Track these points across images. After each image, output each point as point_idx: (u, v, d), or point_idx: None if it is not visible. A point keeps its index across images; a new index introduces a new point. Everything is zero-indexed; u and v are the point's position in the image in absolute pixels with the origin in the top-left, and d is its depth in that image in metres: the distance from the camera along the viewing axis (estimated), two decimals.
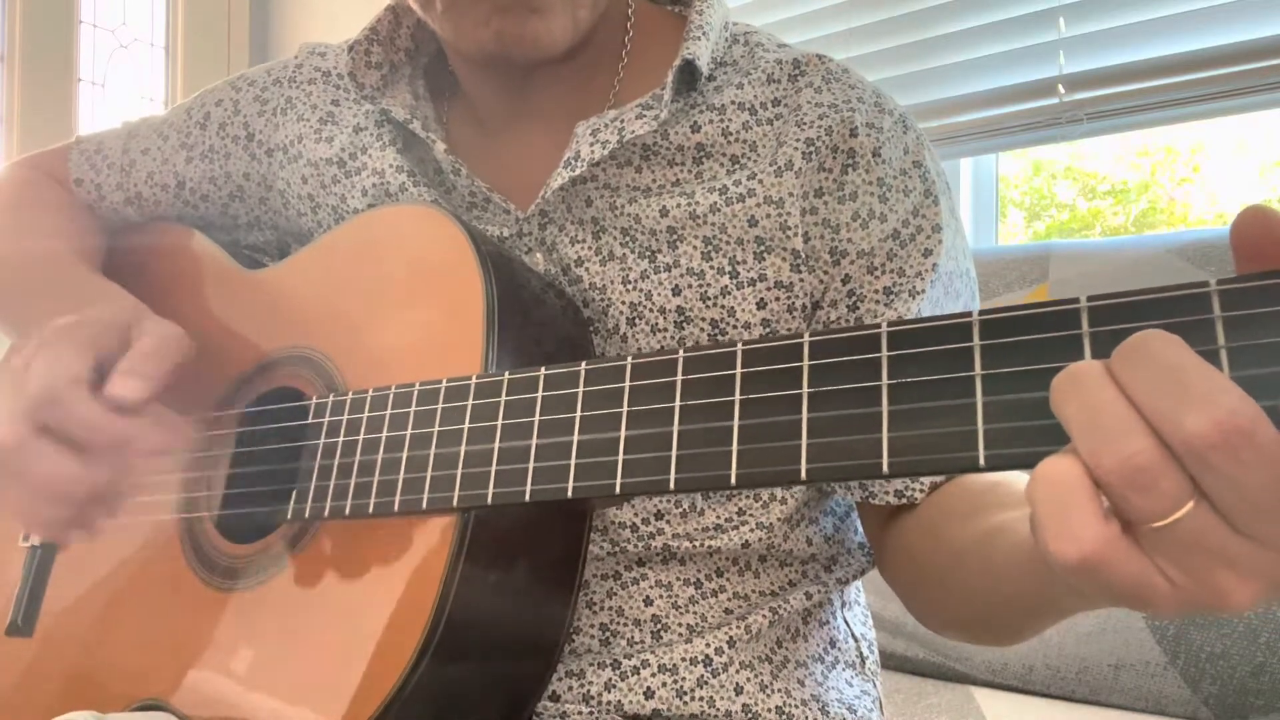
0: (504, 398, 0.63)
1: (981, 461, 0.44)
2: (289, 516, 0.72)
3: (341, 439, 0.71)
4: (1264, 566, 0.38)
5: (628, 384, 0.58)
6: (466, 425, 0.64)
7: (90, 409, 0.68)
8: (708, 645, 0.74)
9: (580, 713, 0.73)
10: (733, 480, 0.52)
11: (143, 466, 0.70)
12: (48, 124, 2.14)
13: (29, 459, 0.69)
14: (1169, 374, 0.37)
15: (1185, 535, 0.38)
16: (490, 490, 0.62)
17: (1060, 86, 1.60)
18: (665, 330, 0.75)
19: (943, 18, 1.72)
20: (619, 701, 0.73)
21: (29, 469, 0.69)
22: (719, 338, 0.75)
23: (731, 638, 0.75)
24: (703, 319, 0.74)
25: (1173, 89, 1.52)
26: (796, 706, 0.76)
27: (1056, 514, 0.39)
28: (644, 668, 0.73)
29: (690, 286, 0.74)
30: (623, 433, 0.57)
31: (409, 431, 0.67)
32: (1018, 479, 0.67)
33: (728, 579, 0.76)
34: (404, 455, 0.67)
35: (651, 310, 0.74)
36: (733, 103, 0.78)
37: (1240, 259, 0.41)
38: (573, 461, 0.59)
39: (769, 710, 0.75)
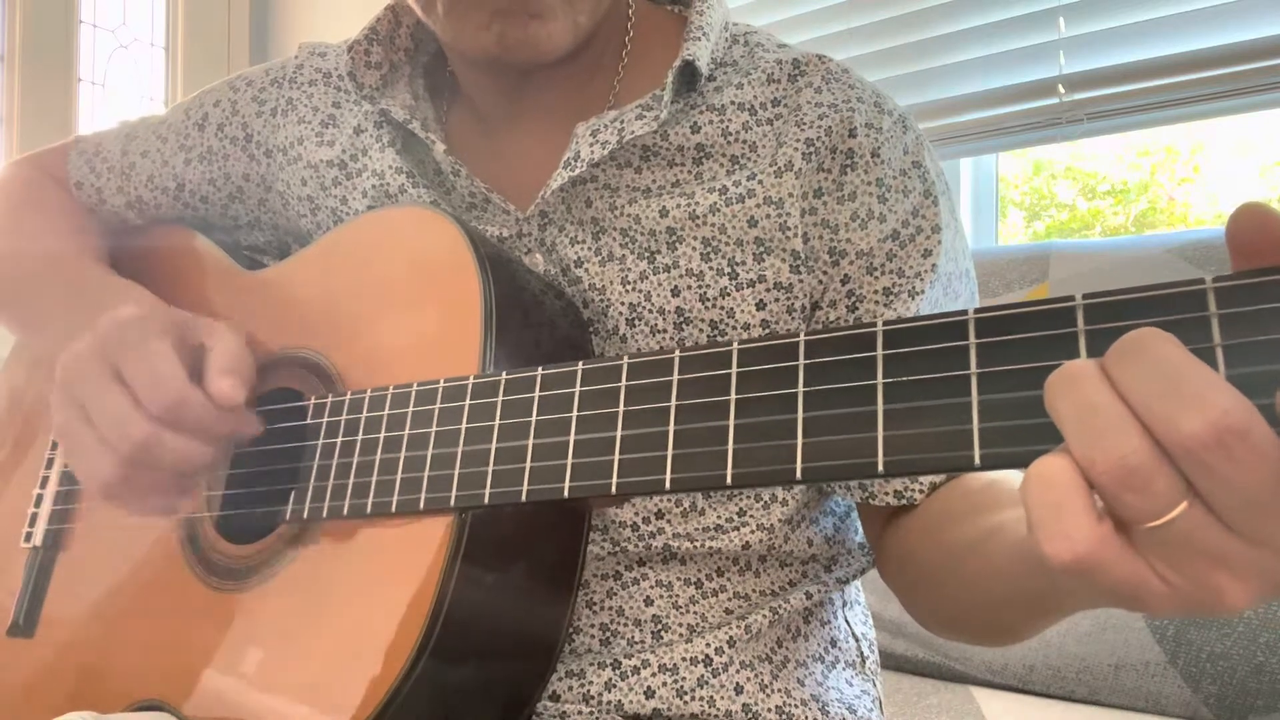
0: (501, 398, 0.63)
1: (977, 461, 0.44)
2: (287, 517, 0.72)
3: (340, 439, 0.71)
4: (1259, 566, 0.38)
5: (624, 384, 0.58)
6: (464, 425, 0.64)
7: (209, 408, 0.70)
8: (708, 645, 0.74)
9: (580, 712, 0.73)
10: (728, 480, 0.52)
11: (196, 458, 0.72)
12: (48, 124, 2.15)
13: (97, 393, 0.70)
14: (1163, 373, 0.37)
15: (1179, 535, 0.38)
16: (487, 490, 0.62)
17: (1060, 86, 1.60)
18: (664, 331, 0.75)
19: (943, 18, 1.72)
20: (619, 701, 0.73)
21: (94, 403, 0.70)
22: (718, 339, 0.75)
23: (732, 637, 0.74)
24: (702, 320, 0.74)
25: (1173, 89, 1.52)
26: (796, 706, 0.76)
27: (1050, 514, 0.39)
28: (644, 667, 0.73)
29: (689, 287, 0.74)
30: (619, 432, 0.57)
31: (406, 432, 0.67)
32: (1018, 478, 0.67)
33: (728, 579, 0.76)
34: (401, 456, 0.67)
35: (651, 311, 0.74)
36: (732, 103, 0.78)
37: (1236, 256, 0.41)
38: (569, 461, 0.59)
39: (769, 710, 0.75)
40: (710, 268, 0.74)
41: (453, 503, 0.63)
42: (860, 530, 0.83)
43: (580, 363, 0.61)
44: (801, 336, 0.52)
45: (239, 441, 0.74)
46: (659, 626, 0.75)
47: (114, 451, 0.70)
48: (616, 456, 0.57)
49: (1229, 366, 0.39)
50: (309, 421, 0.74)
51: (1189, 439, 0.36)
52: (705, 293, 0.74)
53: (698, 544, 0.74)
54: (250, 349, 0.75)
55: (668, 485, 0.54)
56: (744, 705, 0.74)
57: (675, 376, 0.56)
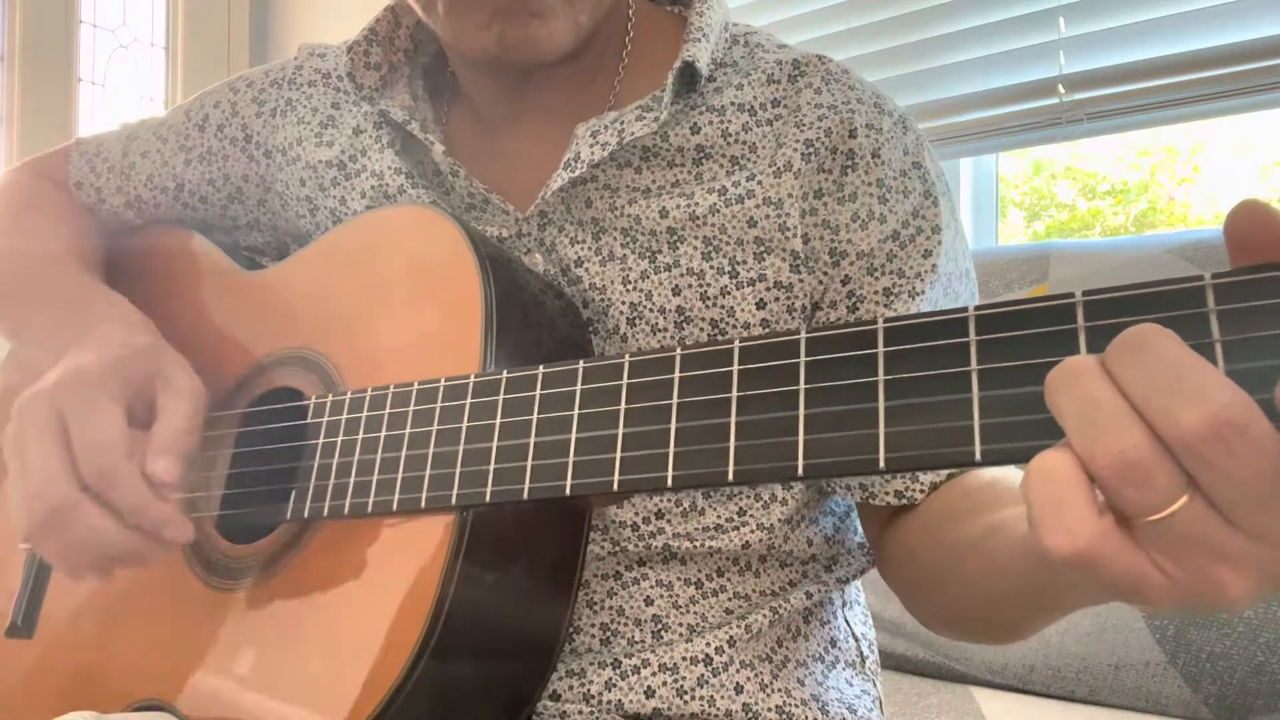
0: (502, 396, 0.63)
1: (978, 456, 0.45)
2: (288, 516, 0.72)
3: (340, 439, 0.71)
4: (1260, 560, 0.38)
5: (625, 381, 0.58)
6: (465, 424, 0.64)
7: (139, 488, 0.69)
8: (708, 645, 0.74)
9: (581, 712, 0.73)
10: (730, 477, 0.52)
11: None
12: (48, 124, 2.15)
13: (35, 443, 0.70)
14: (1163, 368, 0.37)
15: (1180, 529, 0.38)
16: (489, 488, 0.62)
17: (1060, 86, 1.60)
18: (665, 330, 0.75)
19: (943, 18, 1.72)
20: (619, 701, 0.73)
21: (30, 452, 0.70)
22: (719, 338, 0.75)
23: (732, 637, 0.75)
24: (702, 319, 0.74)
25: (1173, 89, 1.52)
26: (796, 706, 0.76)
27: (1051, 509, 0.39)
28: (644, 667, 0.73)
29: (690, 287, 0.74)
30: (620, 430, 0.57)
31: (407, 430, 0.67)
32: (1018, 476, 0.67)
33: (728, 579, 0.76)
34: (402, 454, 0.67)
35: (651, 310, 0.74)
36: (732, 104, 0.78)
37: (1235, 253, 0.41)
38: (570, 459, 0.59)
39: (769, 709, 0.75)
40: (711, 267, 0.74)
41: (454, 501, 0.63)
42: (860, 530, 0.83)
43: (581, 361, 0.61)
44: (803, 334, 0.52)
45: (161, 540, 0.71)
46: (659, 626, 0.75)
47: (30, 509, 0.69)
48: (618, 454, 0.57)
49: (1228, 362, 0.40)
50: (309, 421, 0.74)
51: (1189, 433, 0.36)
52: (706, 291, 0.74)
53: (698, 544, 0.75)
54: (201, 402, 0.75)
55: (669, 482, 0.55)
56: (744, 705, 0.74)
57: (677, 374, 0.56)
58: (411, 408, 0.67)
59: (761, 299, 0.74)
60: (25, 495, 0.70)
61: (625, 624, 0.74)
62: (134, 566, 0.73)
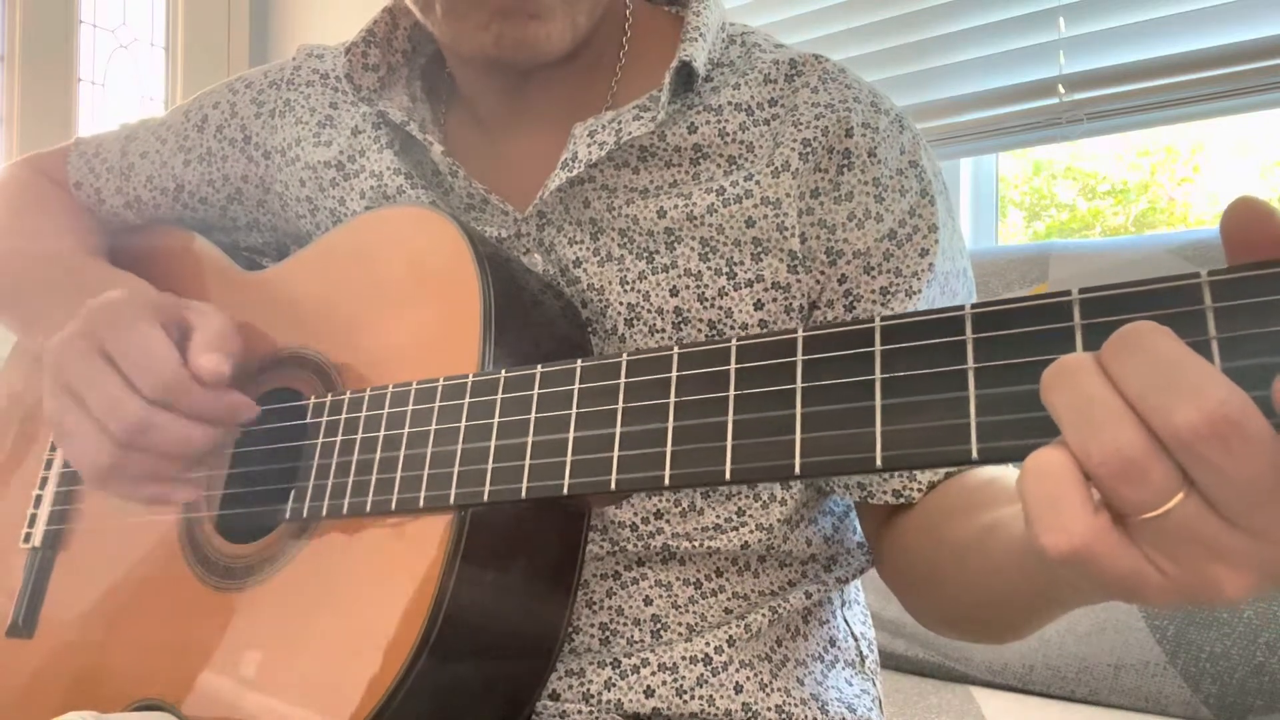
0: (500, 395, 0.63)
1: (974, 454, 0.44)
2: (287, 516, 0.72)
3: (339, 438, 0.71)
4: (1258, 557, 0.38)
5: (623, 380, 0.58)
6: (463, 423, 0.64)
7: (201, 389, 0.72)
8: (707, 644, 0.74)
9: (580, 711, 0.73)
10: (727, 475, 0.52)
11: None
12: (48, 124, 2.15)
13: (87, 376, 0.71)
14: (1159, 365, 0.37)
15: (1176, 526, 0.38)
16: (486, 488, 0.62)
17: (1060, 86, 1.60)
18: (663, 331, 0.75)
19: (943, 18, 1.72)
20: (619, 700, 0.73)
21: (85, 386, 0.71)
22: (716, 337, 0.75)
23: (731, 637, 0.75)
24: (700, 320, 0.74)
25: (1173, 89, 1.52)
26: (796, 705, 0.76)
27: (1047, 506, 0.39)
28: (644, 666, 0.73)
29: (688, 287, 0.74)
30: (618, 429, 0.57)
31: (406, 430, 0.67)
32: (1015, 474, 0.67)
33: (727, 579, 0.76)
34: (401, 454, 0.67)
35: (649, 311, 0.74)
36: (729, 103, 0.78)
37: (1231, 250, 0.41)
38: (569, 458, 0.59)
39: (769, 709, 0.75)
40: (708, 268, 0.74)
41: (452, 500, 0.63)
42: (859, 530, 0.83)
43: (579, 360, 0.61)
44: (800, 333, 0.52)
45: (235, 424, 0.74)
46: (658, 626, 0.75)
47: (107, 434, 0.70)
48: (616, 453, 0.57)
49: (1224, 359, 0.40)
50: (308, 421, 0.74)
51: (1185, 430, 0.36)
52: (703, 292, 0.74)
53: (696, 544, 0.75)
54: (241, 336, 0.76)
55: (667, 481, 0.55)
56: (743, 704, 0.74)
57: (674, 373, 0.56)
58: (410, 407, 0.67)
59: (759, 300, 0.74)
60: (94, 427, 0.71)
61: (624, 624, 0.74)
62: (210, 456, 0.75)
